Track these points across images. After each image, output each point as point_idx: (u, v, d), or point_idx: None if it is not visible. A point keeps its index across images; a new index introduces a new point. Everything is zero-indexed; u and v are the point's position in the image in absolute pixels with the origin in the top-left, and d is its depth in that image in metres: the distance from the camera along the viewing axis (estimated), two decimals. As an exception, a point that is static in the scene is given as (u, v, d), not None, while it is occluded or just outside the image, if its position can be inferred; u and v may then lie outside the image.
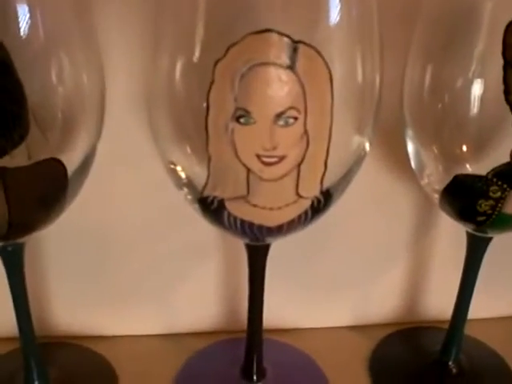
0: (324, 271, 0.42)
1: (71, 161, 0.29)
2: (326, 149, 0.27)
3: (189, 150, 0.29)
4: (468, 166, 0.32)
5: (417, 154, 0.33)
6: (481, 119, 0.30)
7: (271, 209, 0.28)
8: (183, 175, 0.30)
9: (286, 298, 0.42)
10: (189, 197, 0.30)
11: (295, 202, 0.28)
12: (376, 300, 0.44)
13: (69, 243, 0.39)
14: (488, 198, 0.31)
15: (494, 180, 0.30)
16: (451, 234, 0.41)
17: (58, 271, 0.40)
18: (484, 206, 0.31)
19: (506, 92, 0.28)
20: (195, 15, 0.26)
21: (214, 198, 0.28)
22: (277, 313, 0.42)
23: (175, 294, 0.42)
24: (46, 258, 0.40)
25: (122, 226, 0.39)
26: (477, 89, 0.30)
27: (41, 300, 0.41)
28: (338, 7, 0.26)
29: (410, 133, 0.33)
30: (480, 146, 0.32)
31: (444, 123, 0.32)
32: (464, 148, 0.32)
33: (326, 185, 0.29)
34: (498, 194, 0.30)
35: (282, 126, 0.26)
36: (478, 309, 0.40)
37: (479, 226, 0.33)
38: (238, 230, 0.30)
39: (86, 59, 0.28)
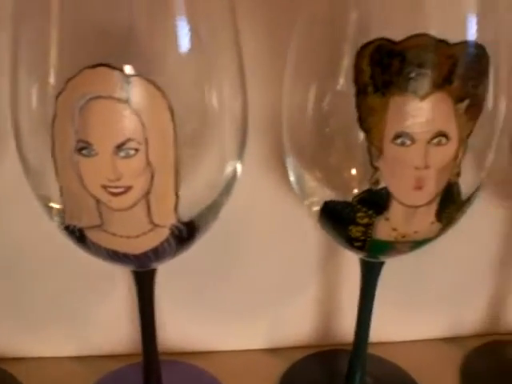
0: (234, 294, 0.42)
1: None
2: (173, 178, 0.27)
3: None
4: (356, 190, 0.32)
5: (299, 179, 0.34)
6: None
7: (128, 237, 0.28)
8: (54, 205, 0.30)
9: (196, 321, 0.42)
10: (60, 226, 0.31)
11: (151, 230, 0.28)
12: (289, 322, 0.44)
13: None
14: (357, 224, 0.31)
15: (359, 206, 0.30)
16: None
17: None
18: (355, 232, 0.31)
19: (360, 119, 0.28)
20: (48, 41, 0.26)
21: (74, 226, 0.29)
22: (187, 335, 0.42)
23: (87, 317, 0.42)
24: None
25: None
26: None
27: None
28: (187, 37, 0.26)
29: (290, 159, 0.33)
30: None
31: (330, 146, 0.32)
32: (353, 171, 0.32)
33: (188, 214, 0.29)
34: (366, 220, 0.30)
35: (124, 158, 0.26)
36: (395, 332, 0.40)
37: (359, 251, 0.33)
38: (111, 258, 0.30)
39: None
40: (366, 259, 0.35)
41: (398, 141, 0.28)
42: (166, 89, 0.25)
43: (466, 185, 0.31)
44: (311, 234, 0.41)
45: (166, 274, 0.41)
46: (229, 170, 0.31)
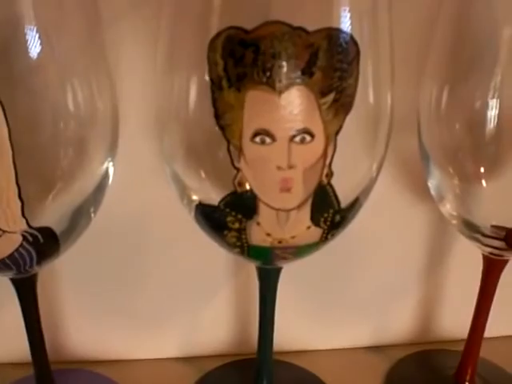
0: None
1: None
2: (14, 184, 0.25)
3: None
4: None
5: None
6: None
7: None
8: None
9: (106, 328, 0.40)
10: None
11: (1, 236, 0.27)
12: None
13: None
14: (230, 229, 0.28)
15: (227, 210, 0.28)
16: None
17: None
18: (230, 237, 0.29)
19: (216, 116, 0.26)
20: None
21: None
22: (97, 343, 0.40)
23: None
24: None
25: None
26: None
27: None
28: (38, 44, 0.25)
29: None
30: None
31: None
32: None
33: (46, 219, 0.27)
34: (237, 224, 0.28)
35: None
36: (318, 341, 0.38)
37: (242, 256, 0.31)
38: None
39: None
40: (260, 266, 0.33)
41: (257, 139, 0.25)
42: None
43: (350, 185, 0.29)
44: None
45: (77, 280, 0.39)
46: (99, 172, 0.29)
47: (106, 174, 0.30)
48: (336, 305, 0.42)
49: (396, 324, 0.43)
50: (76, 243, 0.31)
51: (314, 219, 0.28)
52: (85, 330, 0.40)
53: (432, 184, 0.34)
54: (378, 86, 0.28)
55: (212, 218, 0.29)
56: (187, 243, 0.38)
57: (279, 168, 0.26)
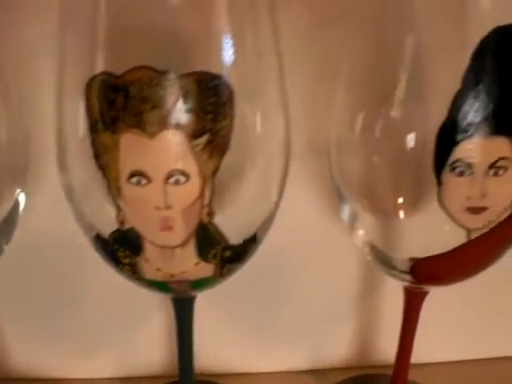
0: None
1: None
2: None
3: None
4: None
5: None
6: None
7: None
8: None
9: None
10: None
11: None
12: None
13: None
14: (123, 263, 0.29)
15: (116, 246, 0.28)
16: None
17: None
18: (126, 270, 0.29)
19: (96, 156, 0.26)
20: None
21: None
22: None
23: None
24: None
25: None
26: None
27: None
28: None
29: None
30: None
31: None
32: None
33: None
34: (128, 259, 0.29)
35: None
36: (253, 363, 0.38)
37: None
38: None
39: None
40: (173, 297, 0.33)
41: (134, 180, 0.26)
42: None
43: (243, 223, 0.29)
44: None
45: (13, 300, 0.40)
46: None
47: (15, 205, 0.31)
48: (272, 327, 0.42)
49: (333, 348, 0.43)
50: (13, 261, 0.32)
51: (202, 255, 0.28)
52: (21, 349, 0.41)
53: (344, 214, 0.34)
54: (267, 121, 0.28)
55: (106, 252, 0.29)
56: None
57: (157, 208, 0.26)
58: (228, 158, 0.27)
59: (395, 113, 0.30)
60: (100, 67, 0.26)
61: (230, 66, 0.26)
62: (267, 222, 0.30)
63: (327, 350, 0.43)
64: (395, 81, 0.29)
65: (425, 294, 0.35)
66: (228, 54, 0.26)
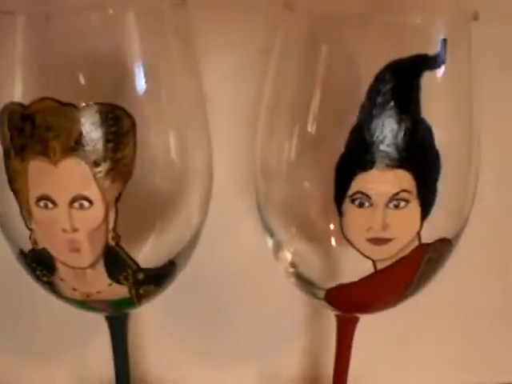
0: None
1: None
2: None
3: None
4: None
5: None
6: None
7: None
8: None
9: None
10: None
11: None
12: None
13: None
14: (43, 281, 0.30)
15: (34, 265, 0.30)
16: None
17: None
18: (47, 288, 0.31)
19: (9, 182, 0.28)
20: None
21: None
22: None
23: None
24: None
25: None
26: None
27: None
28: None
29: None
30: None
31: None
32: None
33: None
34: (46, 278, 0.30)
35: None
36: None
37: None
38: None
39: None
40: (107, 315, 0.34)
41: (41, 203, 0.27)
42: None
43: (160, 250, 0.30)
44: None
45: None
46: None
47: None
48: (221, 345, 0.43)
49: (283, 368, 0.43)
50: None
51: (113, 277, 0.29)
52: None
53: (269, 240, 0.34)
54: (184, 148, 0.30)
55: (28, 268, 0.31)
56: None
57: (64, 230, 0.28)
58: (140, 183, 0.28)
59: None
60: (17, 98, 0.27)
61: (143, 94, 0.28)
62: (188, 246, 0.31)
63: (277, 370, 0.43)
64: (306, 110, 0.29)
65: (356, 319, 0.35)
66: (140, 82, 0.28)
